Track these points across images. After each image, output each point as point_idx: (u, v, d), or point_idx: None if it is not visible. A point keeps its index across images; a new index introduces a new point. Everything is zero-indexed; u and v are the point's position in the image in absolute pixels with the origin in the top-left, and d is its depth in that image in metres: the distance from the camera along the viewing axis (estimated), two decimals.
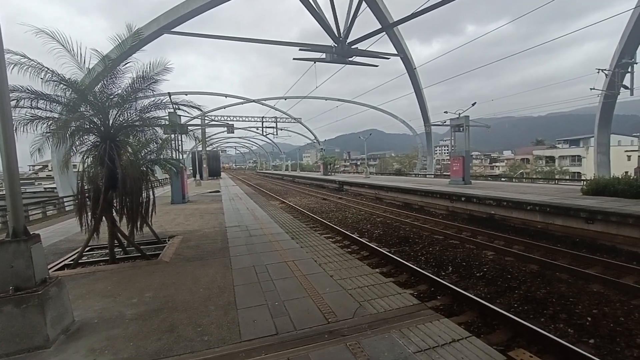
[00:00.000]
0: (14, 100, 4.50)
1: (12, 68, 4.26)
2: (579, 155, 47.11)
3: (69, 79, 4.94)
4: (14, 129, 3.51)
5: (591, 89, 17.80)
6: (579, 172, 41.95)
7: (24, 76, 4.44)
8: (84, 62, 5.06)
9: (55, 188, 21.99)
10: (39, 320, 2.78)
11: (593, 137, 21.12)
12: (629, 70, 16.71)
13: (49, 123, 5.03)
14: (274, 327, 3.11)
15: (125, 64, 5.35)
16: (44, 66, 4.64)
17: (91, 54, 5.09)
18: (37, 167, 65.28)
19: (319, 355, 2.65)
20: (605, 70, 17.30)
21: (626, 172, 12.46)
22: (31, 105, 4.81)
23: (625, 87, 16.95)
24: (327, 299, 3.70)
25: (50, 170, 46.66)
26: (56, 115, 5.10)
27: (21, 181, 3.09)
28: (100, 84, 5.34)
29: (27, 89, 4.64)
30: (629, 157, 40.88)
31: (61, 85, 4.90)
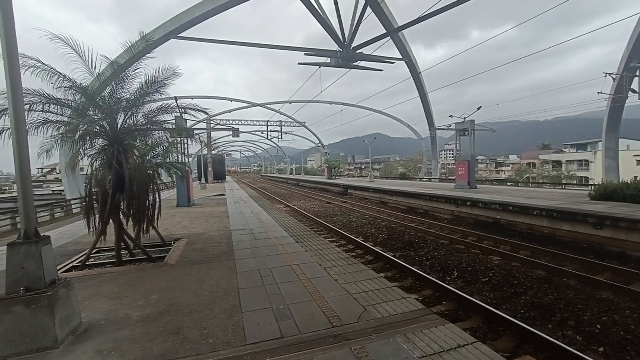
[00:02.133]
0: (27, 104, 4.61)
1: (25, 71, 4.37)
2: (586, 160, 46.54)
3: (80, 84, 5.05)
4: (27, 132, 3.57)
5: (599, 92, 17.61)
6: (586, 177, 41.44)
7: (35, 80, 4.55)
8: (94, 67, 5.18)
9: (62, 190, 22.31)
10: (48, 320, 2.82)
11: (601, 141, 20.89)
12: (637, 74, 16.53)
13: (59, 127, 5.14)
14: (278, 330, 3.11)
15: (136, 69, 5.45)
16: (56, 71, 4.76)
17: (101, 59, 5.21)
18: (45, 170, 66.27)
19: (323, 359, 2.65)
20: (612, 74, 17.14)
21: (635, 177, 12.28)
22: (43, 109, 4.92)
23: (634, 91, 16.74)
24: (331, 303, 3.69)
25: (58, 173, 47.38)
26: (66, 119, 5.21)
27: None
28: (109, 88, 5.45)
29: (40, 93, 4.75)
30: (637, 162, 40.32)
31: (72, 89, 5.01)
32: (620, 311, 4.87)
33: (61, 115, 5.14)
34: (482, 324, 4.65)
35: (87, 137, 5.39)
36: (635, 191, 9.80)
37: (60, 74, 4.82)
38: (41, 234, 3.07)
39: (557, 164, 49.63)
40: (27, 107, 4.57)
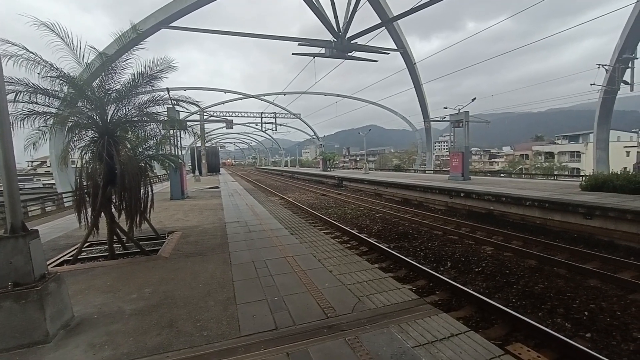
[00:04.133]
0: (11, 93, 4.46)
1: (8, 60, 4.21)
2: (578, 151, 47.16)
3: (67, 74, 4.89)
4: (11, 124, 3.47)
5: (591, 84, 17.75)
6: (578, 168, 42.06)
7: (19, 69, 4.40)
8: (83, 57, 5.02)
9: (54, 184, 21.95)
10: (39, 315, 2.78)
11: (592, 132, 21.12)
12: (630, 65, 16.65)
13: (46, 118, 5.00)
14: (273, 322, 3.12)
15: (126, 60, 5.30)
16: (42, 59, 4.59)
17: (90, 49, 5.05)
18: (35, 163, 65.08)
19: (318, 350, 2.67)
20: (605, 65, 17.24)
21: (625, 168, 12.48)
22: (29, 99, 4.77)
23: (626, 83, 16.90)
24: (326, 294, 3.71)
25: (48, 166, 46.54)
26: (53, 111, 5.07)
27: (20, 177, 3.07)
28: (98, 79, 5.30)
29: (25, 83, 4.59)
30: (627, 153, 41.02)
31: (58, 79, 4.86)
32: (608, 298, 5.00)
33: (48, 106, 4.99)
34: (475, 313, 4.73)
35: (77, 129, 5.26)
36: (625, 182, 9.97)
37: (46, 62, 4.65)
38: (30, 228, 3.01)
39: (550, 155, 50.23)
40: (11, 97, 4.43)
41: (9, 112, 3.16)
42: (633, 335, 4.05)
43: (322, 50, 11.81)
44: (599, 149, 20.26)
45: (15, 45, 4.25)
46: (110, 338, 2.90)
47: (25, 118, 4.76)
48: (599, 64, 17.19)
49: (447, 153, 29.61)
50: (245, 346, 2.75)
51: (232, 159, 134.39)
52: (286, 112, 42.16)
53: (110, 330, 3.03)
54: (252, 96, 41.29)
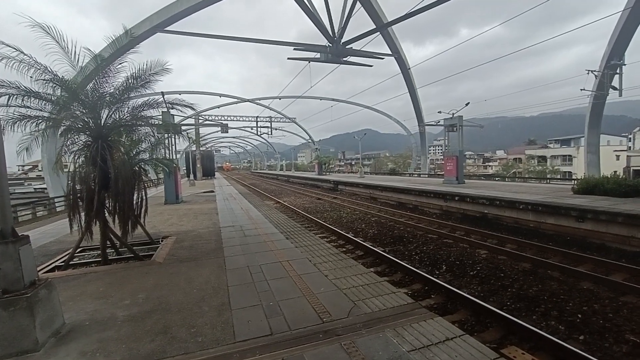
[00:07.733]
0: (3, 96, 4.41)
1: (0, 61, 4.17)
2: (570, 155, 47.91)
3: (61, 77, 4.85)
4: (2, 128, 3.42)
5: (581, 89, 18.08)
6: (570, 172, 42.67)
7: (11, 72, 4.35)
8: (77, 60, 4.99)
9: (45, 188, 21.61)
10: (28, 323, 2.72)
11: (583, 137, 21.49)
12: (618, 71, 17.01)
13: (39, 122, 4.94)
14: (268, 327, 3.10)
15: (120, 63, 5.28)
16: (35, 61, 4.55)
17: (85, 52, 5.03)
18: (26, 168, 64.03)
19: (313, 355, 2.65)
20: (594, 71, 17.59)
21: (615, 172, 12.68)
22: (23, 102, 4.71)
23: (614, 88, 17.25)
24: (321, 299, 3.69)
25: (40, 171, 45.83)
26: (46, 114, 5.01)
27: (10, 181, 3.03)
28: (92, 82, 5.27)
29: (17, 86, 4.54)
30: (617, 157, 41.71)
31: (52, 82, 4.81)
32: (600, 301, 5.05)
33: (40, 110, 4.94)
34: (470, 316, 4.74)
35: (70, 133, 5.21)
36: (615, 185, 10.14)
37: (40, 65, 4.61)
38: (20, 234, 2.96)
39: (543, 159, 50.94)
40: (3, 100, 4.37)
41: (0, 116, 3.12)
42: (625, 337, 4.09)
43: (318, 55, 11.89)
44: (589, 152, 20.59)
45: (9, 47, 4.21)
46: (102, 345, 2.85)
47: (16, 122, 4.69)
48: (588, 70, 17.54)
49: (442, 157, 29.89)
50: (241, 352, 2.72)
51: (228, 162, 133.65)
52: (282, 116, 42.17)
53: (103, 338, 2.97)
54: (248, 100, 41.27)
